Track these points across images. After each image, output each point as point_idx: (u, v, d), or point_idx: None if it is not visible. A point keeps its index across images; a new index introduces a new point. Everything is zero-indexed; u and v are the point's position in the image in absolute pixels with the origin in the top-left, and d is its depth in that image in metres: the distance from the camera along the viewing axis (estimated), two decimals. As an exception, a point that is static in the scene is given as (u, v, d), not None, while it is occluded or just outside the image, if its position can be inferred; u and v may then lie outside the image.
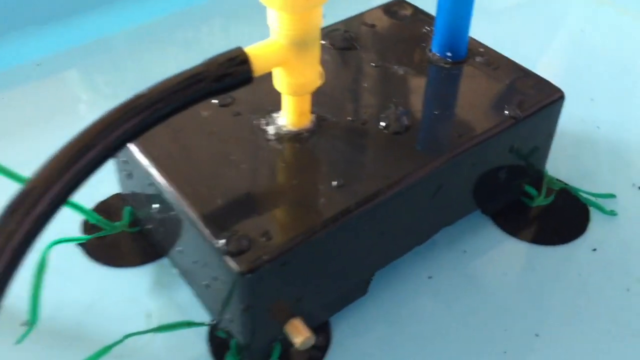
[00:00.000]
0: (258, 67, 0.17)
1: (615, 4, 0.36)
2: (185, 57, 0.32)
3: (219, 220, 0.17)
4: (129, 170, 0.20)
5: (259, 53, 0.18)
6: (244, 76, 0.17)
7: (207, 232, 0.17)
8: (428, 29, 0.24)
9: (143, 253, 0.22)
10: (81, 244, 0.22)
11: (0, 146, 0.26)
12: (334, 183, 0.18)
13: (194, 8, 0.35)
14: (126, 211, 0.22)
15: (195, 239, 0.18)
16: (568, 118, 0.25)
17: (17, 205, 0.14)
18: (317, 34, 0.18)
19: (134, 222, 0.22)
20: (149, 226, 0.21)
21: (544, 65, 0.32)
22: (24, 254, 0.14)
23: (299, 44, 0.18)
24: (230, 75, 0.17)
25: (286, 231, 0.17)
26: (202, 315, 0.20)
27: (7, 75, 0.30)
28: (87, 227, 0.23)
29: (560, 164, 0.25)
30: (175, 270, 0.21)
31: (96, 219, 0.22)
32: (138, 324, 0.20)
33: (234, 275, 0.16)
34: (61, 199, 0.15)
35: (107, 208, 0.23)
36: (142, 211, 0.22)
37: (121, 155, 0.20)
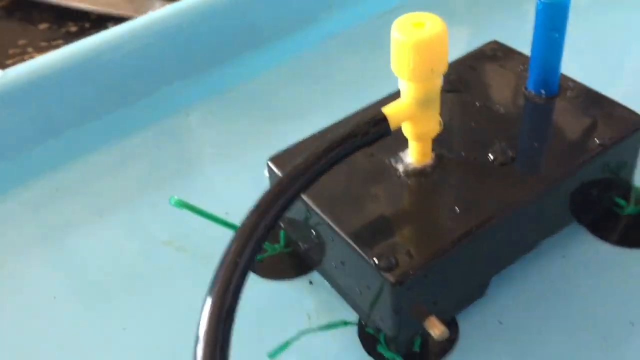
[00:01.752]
0: (393, 123, 0.22)
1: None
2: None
3: (369, 243, 0.22)
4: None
5: (393, 112, 0.22)
6: (384, 131, 0.22)
7: (361, 252, 0.22)
8: (522, 67, 0.29)
9: (297, 267, 0.27)
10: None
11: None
12: (457, 209, 0.23)
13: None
14: (282, 235, 0.28)
15: (350, 258, 0.23)
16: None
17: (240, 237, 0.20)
18: (438, 94, 0.23)
19: (287, 243, 0.28)
20: (302, 246, 0.27)
21: (631, 84, 0.35)
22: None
23: (423, 103, 0.23)
24: (374, 132, 0.22)
25: (423, 250, 0.22)
26: (350, 314, 0.25)
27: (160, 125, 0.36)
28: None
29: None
30: (325, 281, 0.27)
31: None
32: (302, 322, 0.25)
33: (388, 286, 0.21)
34: (265, 234, 0.20)
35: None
36: (296, 234, 0.27)
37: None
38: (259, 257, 0.27)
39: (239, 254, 0.20)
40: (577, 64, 0.29)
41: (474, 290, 0.25)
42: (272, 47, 0.40)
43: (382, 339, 0.24)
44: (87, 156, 0.34)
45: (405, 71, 0.21)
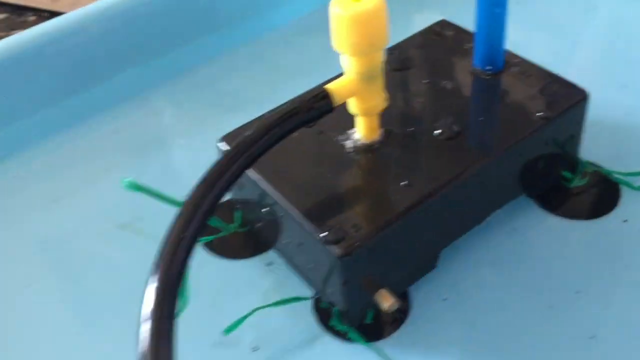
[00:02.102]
0: (337, 99, 0.23)
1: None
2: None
3: (318, 217, 0.23)
4: (241, 183, 0.26)
5: (336, 88, 0.23)
6: (327, 108, 0.23)
7: (311, 227, 0.22)
8: (470, 45, 0.29)
9: (253, 247, 0.28)
10: (205, 243, 0.28)
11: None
12: (402, 183, 0.23)
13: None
14: (237, 215, 0.28)
15: (300, 233, 0.23)
16: (602, 105, 0.29)
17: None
18: (380, 69, 0.23)
19: (243, 223, 0.28)
20: (258, 225, 0.27)
21: (579, 58, 0.36)
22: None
23: (367, 78, 0.23)
24: (317, 108, 0.22)
25: (370, 223, 0.22)
26: (306, 292, 0.26)
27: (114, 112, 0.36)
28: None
29: (593, 150, 0.29)
30: (281, 259, 0.27)
31: (216, 222, 0.28)
32: (258, 301, 0.26)
33: (334, 259, 0.22)
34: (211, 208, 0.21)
35: (222, 213, 0.29)
36: (251, 214, 0.27)
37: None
38: (214, 236, 0.28)
39: (184, 229, 0.20)
40: (524, 41, 0.30)
41: (424, 263, 0.25)
42: (229, 31, 0.40)
43: (335, 312, 0.24)
44: (45, 141, 0.34)
45: (345, 45, 0.22)
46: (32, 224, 0.30)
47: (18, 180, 0.32)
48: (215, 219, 0.28)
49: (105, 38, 0.36)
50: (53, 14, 0.45)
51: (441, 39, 0.30)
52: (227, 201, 0.29)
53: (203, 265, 0.27)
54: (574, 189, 0.28)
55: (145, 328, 0.18)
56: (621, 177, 0.28)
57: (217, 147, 0.26)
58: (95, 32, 0.35)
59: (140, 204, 0.29)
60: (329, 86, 0.22)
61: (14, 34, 0.43)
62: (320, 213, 0.23)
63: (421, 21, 0.32)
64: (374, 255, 0.22)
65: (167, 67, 0.37)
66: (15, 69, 0.34)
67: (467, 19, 0.31)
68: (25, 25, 0.44)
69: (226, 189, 0.21)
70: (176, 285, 0.19)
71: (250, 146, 0.22)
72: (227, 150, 0.21)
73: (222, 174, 0.21)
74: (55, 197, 0.31)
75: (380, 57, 0.23)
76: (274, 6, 0.41)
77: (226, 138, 0.26)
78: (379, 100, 0.24)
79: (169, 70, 0.38)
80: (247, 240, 0.28)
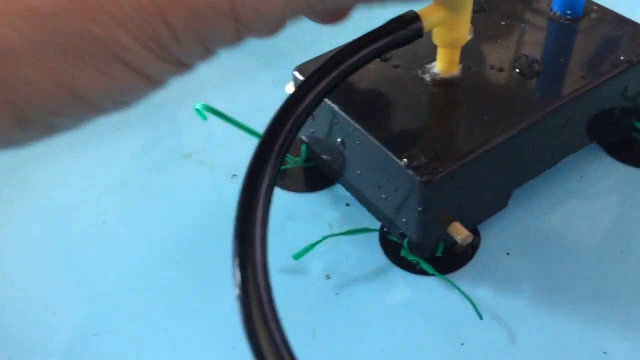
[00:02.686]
0: (427, 24, 0.22)
1: None
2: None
3: (398, 145, 0.22)
4: (315, 114, 0.26)
5: (427, 13, 0.22)
6: (417, 31, 0.22)
7: (392, 154, 0.22)
8: (548, -9, 0.29)
9: (320, 181, 0.28)
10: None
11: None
12: (485, 117, 0.23)
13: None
14: (303, 148, 0.28)
15: (379, 161, 0.23)
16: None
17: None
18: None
19: (308, 158, 0.28)
20: (325, 158, 0.27)
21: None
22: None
23: (456, 7, 0.23)
24: (408, 30, 0.22)
25: (451, 152, 0.22)
26: (374, 224, 0.26)
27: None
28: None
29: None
30: (347, 193, 0.27)
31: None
32: (324, 232, 0.25)
33: (417, 184, 0.21)
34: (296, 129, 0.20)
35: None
36: (319, 147, 0.27)
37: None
38: (282, 167, 0.28)
39: (270, 146, 0.20)
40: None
41: (496, 200, 0.25)
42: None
43: (405, 244, 0.24)
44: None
45: (441, -31, 0.21)
46: (97, 151, 0.30)
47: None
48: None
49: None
50: None
51: (518, -16, 0.29)
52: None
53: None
54: (645, 141, 0.28)
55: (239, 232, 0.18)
56: (693, 132, 0.28)
57: (293, 75, 0.26)
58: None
59: (203, 137, 0.29)
60: (420, 11, 0.22)
61: None
62: (400, 141, 0.23)
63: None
64: (453, 185, 0.22)
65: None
66: None
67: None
68: None
69: (309, 112, 0.20)
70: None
71: (333, 69, 0.21)
72: (311, 73, 0.21)
73: (303, 98, 0.20)
74: (117, 125, 0.31)
75: (472, -16, 0.22)
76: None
77: (300, 68, 0.26)
78: (464, 31, 0.23)
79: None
80: (313, 174, 0.28)
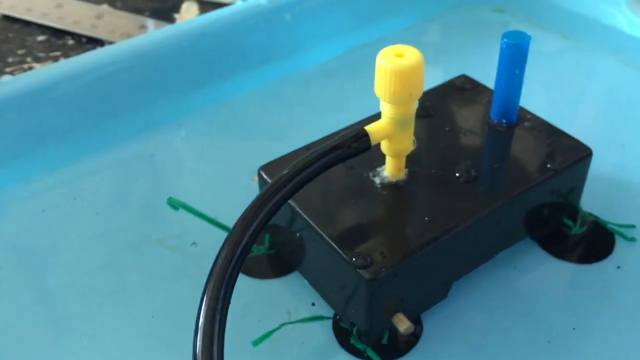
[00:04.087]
0: (374, 139, 0.26)
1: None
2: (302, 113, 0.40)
3: (347, 244, 0.25)
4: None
5: (374, 130, 0.26)
6: (366, 145, 0.25)
7: (342, 252, 0.25)
8: (487, 99, 0.32)
9: (280, 268, 0.30)
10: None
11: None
12: (426, 218, 0.26)
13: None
14: (267, 237, 0.31)
15: (331, 258, 0.26)
16: (601, 162, 0.33)
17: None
18: (413, 116, 0.26)
19: (271, 246, 0.31)
20: (285, 249, 0.30)
21: (581, 119, 0.39)
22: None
23: (401, 124, 0.26)
24: (357, 145, 0.25)
25: (395, 252, 0.25)
26: (328, 311, 0.28)
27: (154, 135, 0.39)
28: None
29: (592, 201, 0.32)
30: (305, 281, 0.29)
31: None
32: (282, 318, 0.28)
33: (363, 282, 0.24)
34: (259, 230, 0.23)
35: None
36: (279, 238, 0.30)
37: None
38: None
39: (235, 248, 0.22)
40: (540, 99, 0.33)
41: (437, 292, 0.28)
42: (259, 71, 0.43)
43: (355, 332, 0.26)
44: (85, 161, 0.37)
45: (387, 94, 0.25)
46: (73, 233, 0.32)
47: (61, 189, 0.35)
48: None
49: (146, 68, 0.38)
50: (90, 40, 0.48)
51: (461, 92, 0.33)
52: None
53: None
54: (574, 235, 0.31)
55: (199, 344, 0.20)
56: (616, 227, 0.31)
57: (259, 174, 0.29)
58: (139, 61, 0.38)
59: (175, 223, 0.32)
60: (368, 127, 0.25)
61: (53, 55, 0.46)
62: (349, 240, 0.25)
63: (442, 75, 0.35)
64: (397, 281, 0.25)
65: (202, 98, 0.40)
66: (66, 91, 0.36)
67: (482, 75, 0.34)
68: (64, 48, 0.47)
69: (272, 214, 0.23)
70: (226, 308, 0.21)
71: (295, 177, 0.24)
72: (274, 180, 0.24)
73: (270, 200, 0.23)
74: (96, 210, 0.33)
75: (414, 105, 0.26)
76: (298, 50, 0.44)
77: (264, 168, 0.29)
78: (409, 143, 0.27)
79: (203, 101, 0.40)
80: (274, 261, 0.30)
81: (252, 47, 0.42)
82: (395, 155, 0.27)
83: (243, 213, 0.23)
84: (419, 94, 0.25)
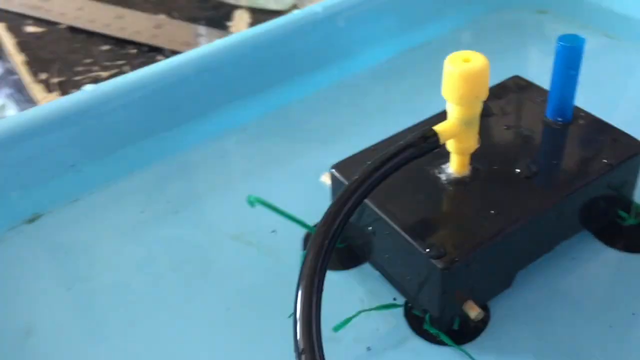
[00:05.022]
0: (442, 138, 0.28)
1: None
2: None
3: (420, 236, 0.27)
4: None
5: (442, 129, 0.28)
6: (435, 144, 0.27)
7: (415, 244, 0.27)
8: (541, 99, 0.34)
9: (352, 260, 0.32)
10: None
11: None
12: (492, 212, 0.28)
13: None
14: (336, 232, 0.33)
15: (404, 249, 0.28)
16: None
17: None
18: (478, 117, 0.28)
19: (342, 240, 0.33)
20: (356, 242, 0.32)
21: (629, 116, 0.41)
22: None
23: (467, 124, 0.28)
24: (428, 144, 0.27)
25: (465, 243, 0.27)
26: (399, 299, 0.30)
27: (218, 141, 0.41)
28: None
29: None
30: (374, 272, 0.31)
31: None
32: (357, 306, 0.30)
33: (437, 271, 0.26)
34: (344, 225, 0.25)
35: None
36: (352, 232, 0.32)
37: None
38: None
39: (323, 241, 0.25)
40: (587, 97, 0.34)
41: (502, 281, 0.30)
42: (312, 76, 0.45)
43: (427, 318, 0.28)
44: (163, 161, 0.39)
45: (455, 97, 0.27)
46: (154, 232, 0.35)
47: (140, 193, 0.38)
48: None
49: (204, 78, 0.41)
50: (152, 48, 0.50)
51: (516, 92, 0.35)
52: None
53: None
54: (628, 226, 0.33)
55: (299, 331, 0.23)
56: (668, 219, 0.33)
57: (331, 173, 0.31)
58: (194, 72, 0.40)
59: (250, 220, 0.34)
60: (436, 127, 0.27)
61: (119, 64, 0.49)
62: (421, 232, 0.27)
63: (496, 76, 0.37)
64: (468, 270, 0.27)
65: (262, 104, 0.43)
66: (138, 98, 0.39)
67: (534, 75, 0.36)
68: (128, 57, 0.49)
69: (355, 207, 0.26)
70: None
71: (371, 176, 0.26)
72: (353, 180, 0.26)
73: (350, 199, 0.26)
74: (175, 209, 0.36)
75: (479, 107, 0.27)
76: (349, 56, 0.46)
77: (336, 167, 0.31)
78: (473, 142, 0.29)
79: (262, 106, 0.43)
80: (346, 254, 0.32)
81: (307, 53, 0.44)
82: (461, 153, 0.29)
83: (329, 208, 0.25)
84: (485, 96, 0.27)
